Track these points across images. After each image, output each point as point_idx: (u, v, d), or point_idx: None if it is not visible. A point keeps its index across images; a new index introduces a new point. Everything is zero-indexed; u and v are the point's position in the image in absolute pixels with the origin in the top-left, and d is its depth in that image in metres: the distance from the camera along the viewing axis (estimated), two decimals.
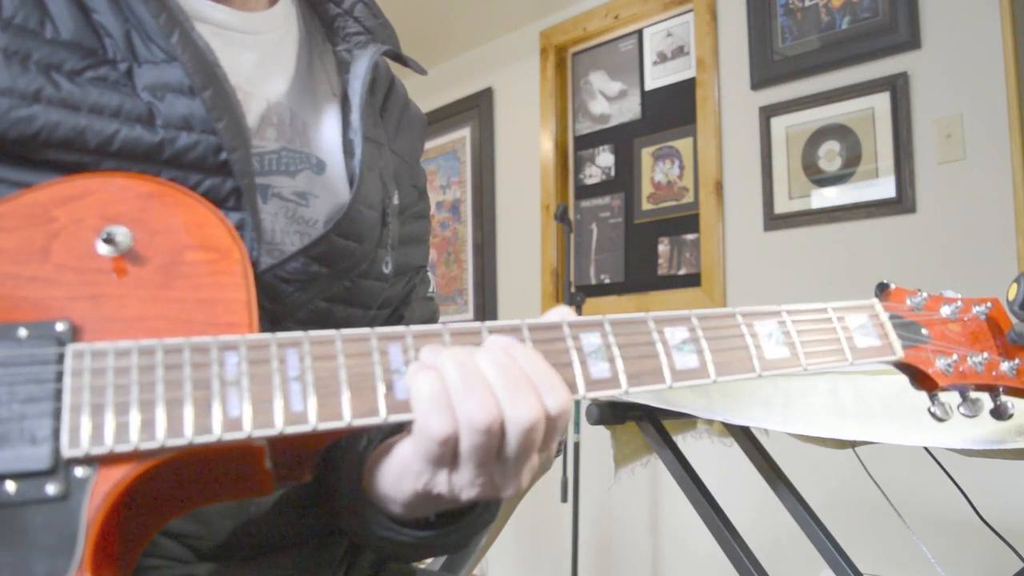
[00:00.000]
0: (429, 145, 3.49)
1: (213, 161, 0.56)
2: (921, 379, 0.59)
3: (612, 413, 1.27)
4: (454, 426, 0.43)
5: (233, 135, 0.56)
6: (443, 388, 0.43)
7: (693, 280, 2.57)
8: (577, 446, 2.35)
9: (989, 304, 0.62)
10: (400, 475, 0.50)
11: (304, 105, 0.68)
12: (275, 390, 0.41)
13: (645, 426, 1.29)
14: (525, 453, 0.45)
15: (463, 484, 0.47)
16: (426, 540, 0.57)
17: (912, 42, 2.08)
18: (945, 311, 0.61)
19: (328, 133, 0.68)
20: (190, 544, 0.59)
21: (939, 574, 1.33)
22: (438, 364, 0.44)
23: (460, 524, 0.57)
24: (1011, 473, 1.78)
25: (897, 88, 2.09)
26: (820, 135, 2.25)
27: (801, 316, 0.54)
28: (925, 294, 0.61)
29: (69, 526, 0.38)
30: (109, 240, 0.43)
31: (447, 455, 0.44)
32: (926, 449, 1.26)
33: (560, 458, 2.31)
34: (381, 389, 0.43)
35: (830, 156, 2.23)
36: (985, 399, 0.60)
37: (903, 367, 0.58)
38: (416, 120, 0.82)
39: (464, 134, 3.37)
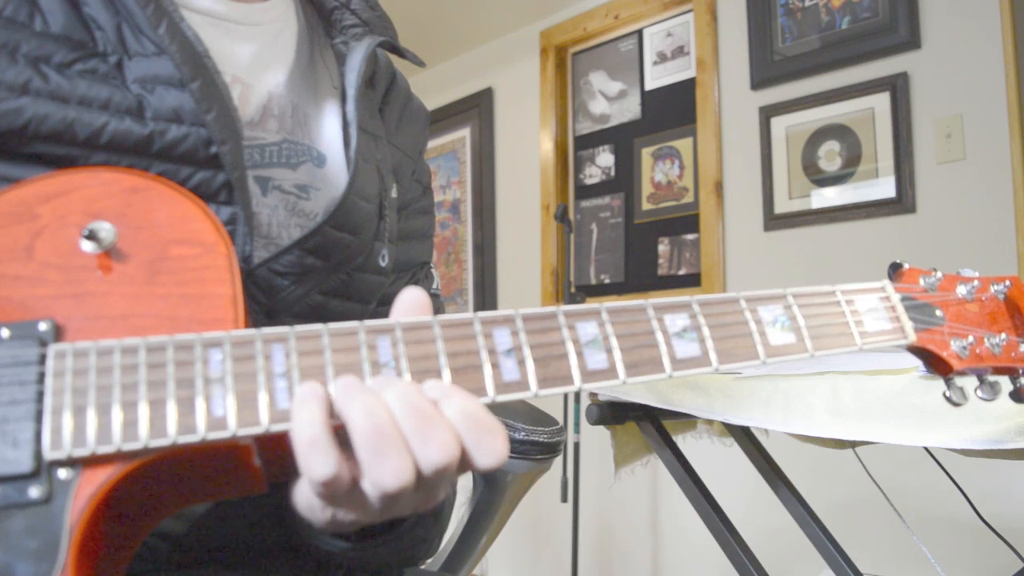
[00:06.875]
0: (429, 145, 3.47)
1: (204, 154, 0.55)
2: (935, 363, 0.55)
3: (612, 413, 1.26)
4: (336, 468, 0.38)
5: (223, 127, 0.55)
6: (324, 428, 0.39)
7: (693, 280, 2.56)
8: (577, 446, 2.34)
9: (1008, 283, 0.58)
10: (308, 508, 0.45)
11: (305, 97, 0.67)
12: (260, 387, 0.39)
13: (645, 426, 1.28)
14: (440, 481, 0.41)
15: (372, 513, 0.43)
16: (351, 552, 0.55)
17: (912, 42, 2.07)
18: (961, 291, 0.57)
19: (329, 126, 0.68)
20: (183, 547, 0.58)
21: (939, 574, 1.33)
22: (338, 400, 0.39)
23: (381, 540, 0.55)
24: (1011, 473, 1.77)
25: (897, 88, 2.09)
26: (820, 135, 2.24)
27: (807, 300, 0.52)
28: (940, 274, 0.57)
29: (52, 529, 0.37)
30: (92, 237, 0.42)
31: (341, 492, 0.40)
32: (926, 449, 1.26)
33: (560, 458, 2.30)
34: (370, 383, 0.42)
35: (830, 156, 2.22)
36: (1004, 382, 0.56)
37: (916, 351, 0.55)
38: (419, 114, 0.81)
39: (464, 134, 3.36)
